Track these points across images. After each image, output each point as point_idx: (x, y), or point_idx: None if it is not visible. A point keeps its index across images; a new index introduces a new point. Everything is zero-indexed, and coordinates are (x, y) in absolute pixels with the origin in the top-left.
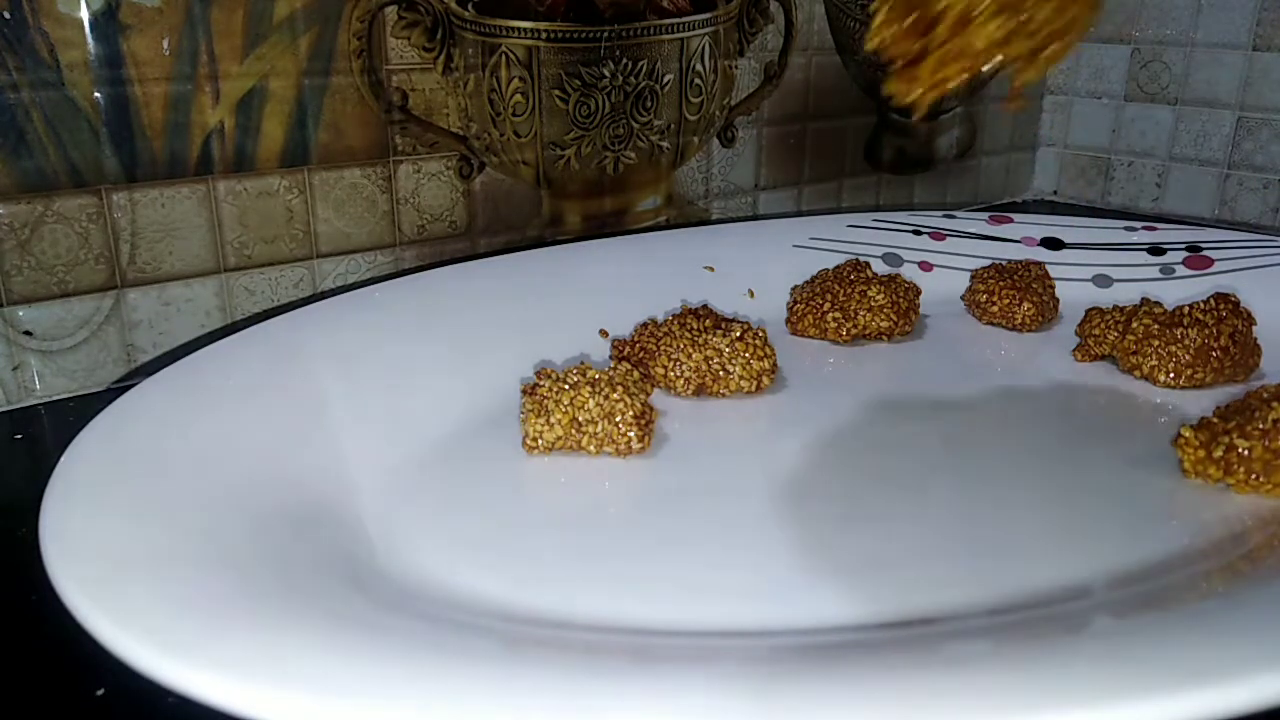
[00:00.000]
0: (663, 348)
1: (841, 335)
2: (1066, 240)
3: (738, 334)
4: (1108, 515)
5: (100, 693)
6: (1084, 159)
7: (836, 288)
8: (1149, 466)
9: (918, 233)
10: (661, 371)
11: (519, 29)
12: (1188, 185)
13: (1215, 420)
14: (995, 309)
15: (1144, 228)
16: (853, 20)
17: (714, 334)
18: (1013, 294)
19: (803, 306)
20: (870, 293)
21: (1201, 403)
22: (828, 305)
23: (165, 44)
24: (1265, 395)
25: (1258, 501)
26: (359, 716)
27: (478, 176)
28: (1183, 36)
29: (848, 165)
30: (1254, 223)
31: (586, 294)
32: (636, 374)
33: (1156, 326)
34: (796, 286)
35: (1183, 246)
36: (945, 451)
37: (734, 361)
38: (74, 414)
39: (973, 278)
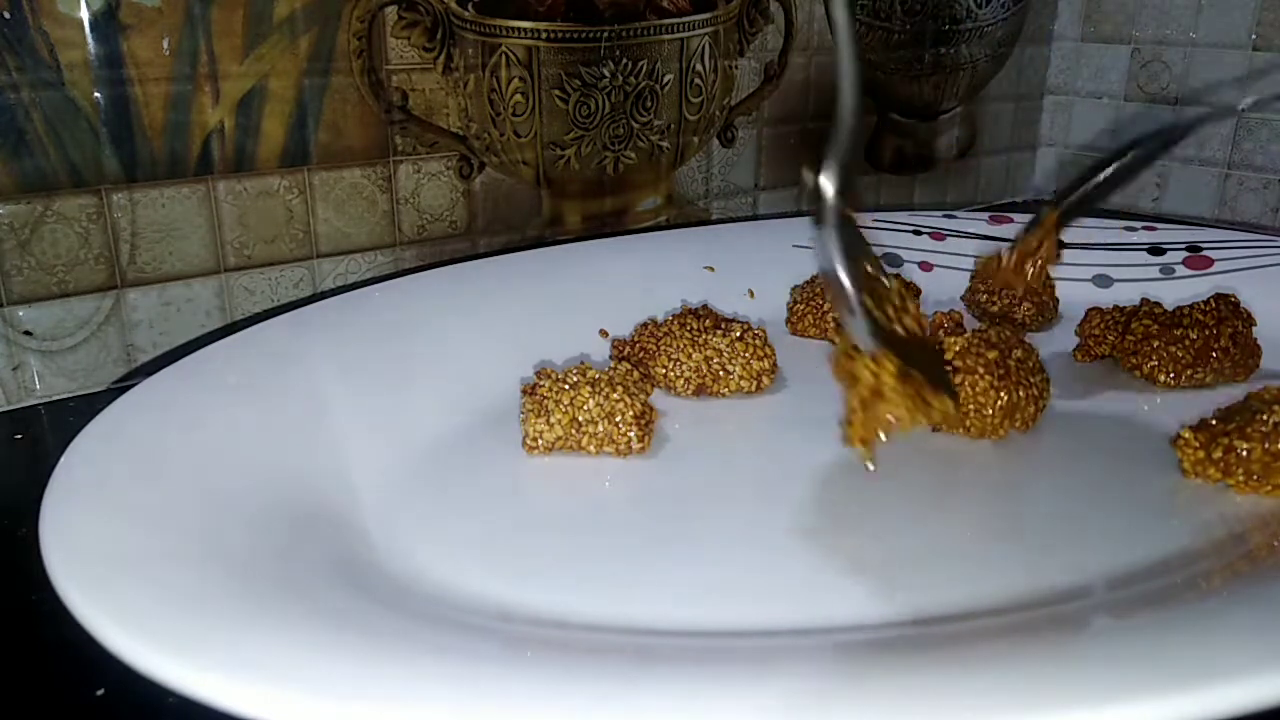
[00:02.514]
0: (663, 348)
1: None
2: (1066, 240)
3: (738, 334)
4: (1108, 515)
5: (100, 693)
6: (1084, 159)
7: None
8: (1149, 466)
9: (918, 233)
10: (661, 371)
11: (519, 29)
12: (1188, 185)
13: (1215, 422)
14: (995, 309)
15: (1144, 228)
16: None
17: (714, 334)
18: (1013, 294)
19: (803, 306)
20: None
21: (1201, 403)
22: (828, 305)
23: (165, 44)
24: (1266, 397)
25: (1258, 501)
26: (358, 716)
27: (478, 176)
28: (1183, 36)
29: None
30: (1254, 223)
31: (586, 294)
32: (636, 374)
33: (1156, 327)
34: (796, 286)
35: (1183, 246)
36: (944, 452)
37: (734, 361)
38: (74, 414)
39: (973, 278)
